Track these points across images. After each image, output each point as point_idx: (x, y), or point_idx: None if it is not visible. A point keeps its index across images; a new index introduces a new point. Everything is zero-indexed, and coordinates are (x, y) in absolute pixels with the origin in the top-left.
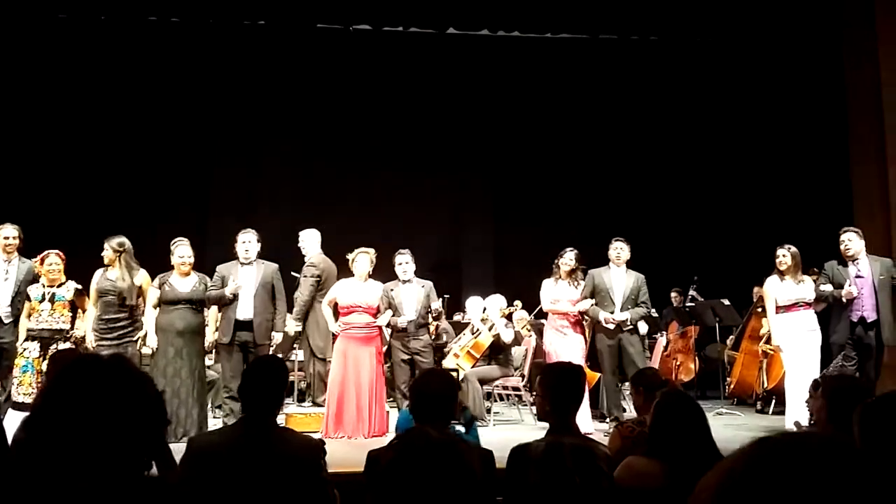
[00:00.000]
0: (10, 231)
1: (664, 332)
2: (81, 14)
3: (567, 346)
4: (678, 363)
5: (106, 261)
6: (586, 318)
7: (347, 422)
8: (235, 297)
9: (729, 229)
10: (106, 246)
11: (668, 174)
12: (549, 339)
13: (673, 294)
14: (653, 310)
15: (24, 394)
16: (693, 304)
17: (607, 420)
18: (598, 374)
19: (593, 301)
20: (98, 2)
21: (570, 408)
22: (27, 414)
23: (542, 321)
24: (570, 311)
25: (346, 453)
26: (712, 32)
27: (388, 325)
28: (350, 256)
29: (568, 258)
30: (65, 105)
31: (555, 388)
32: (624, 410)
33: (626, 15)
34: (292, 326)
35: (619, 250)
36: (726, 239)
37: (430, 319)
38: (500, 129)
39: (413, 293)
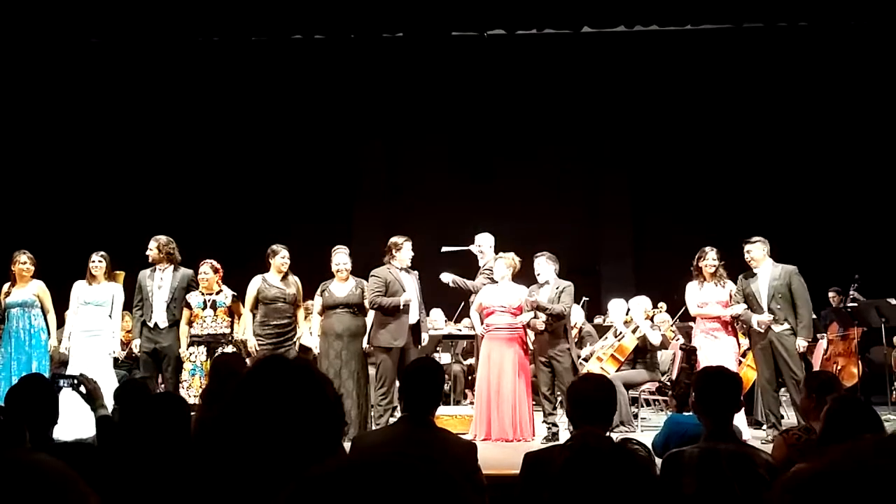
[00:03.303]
0: (157, 241)
1: (824, 335)
2: (275, 35)
3: (718, 350)
4: (839, 367)
5: (274, 269)
6: (738, 322)
7: (492, 424)
8: (407, 305)
9: (893, 223)
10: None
11: (821, 165)
12: (698, 344)
13: (831, 294)
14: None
15: (194, 395)
16: (855, 304)
17: (763, 427)
18: (754, 378)
19: (745, 306)
20: (287, 24)
21: (726, 414)
22: (193, 414)
23: (690, 324)
24: (722, 315)
25: (489, 455)
26: (868, 15)
27: (528, 326)
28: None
29: (711, 258)
30: (225, 123)
31: (709, 393)
32: (782, 417)
33: (772, 1)
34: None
35: (748, 252)
36: (890, 233)
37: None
38: (637, 125)
39: (547, 296)
